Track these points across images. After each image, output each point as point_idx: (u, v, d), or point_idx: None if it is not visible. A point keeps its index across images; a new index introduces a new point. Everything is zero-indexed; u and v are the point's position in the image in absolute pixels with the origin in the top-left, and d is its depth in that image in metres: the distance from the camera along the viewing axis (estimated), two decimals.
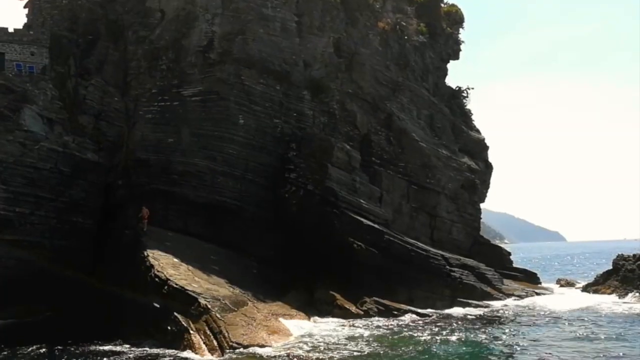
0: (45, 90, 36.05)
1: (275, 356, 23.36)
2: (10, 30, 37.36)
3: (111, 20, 41.21)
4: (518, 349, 24.79)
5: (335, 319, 31.80)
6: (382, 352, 24.05)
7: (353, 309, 33.21)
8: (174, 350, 24.86)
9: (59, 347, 26.12)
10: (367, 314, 32.64)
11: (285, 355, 23.50)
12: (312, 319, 31.57)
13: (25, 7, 42.04)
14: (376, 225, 37.56)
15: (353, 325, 29.99)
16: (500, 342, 26.34)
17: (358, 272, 35.05)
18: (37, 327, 29.57)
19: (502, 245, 60.80)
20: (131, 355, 24.60)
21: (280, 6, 40.69)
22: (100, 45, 40.39)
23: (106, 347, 26.48)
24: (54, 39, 38.48)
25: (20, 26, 39.69)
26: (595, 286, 44.70)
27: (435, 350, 24.61)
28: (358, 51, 43.89)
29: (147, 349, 25.67)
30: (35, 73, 37.05)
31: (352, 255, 35.40)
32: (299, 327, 29.20)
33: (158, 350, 25.25)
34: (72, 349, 26.06)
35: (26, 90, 35.33)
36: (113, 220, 36.61)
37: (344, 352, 23.93)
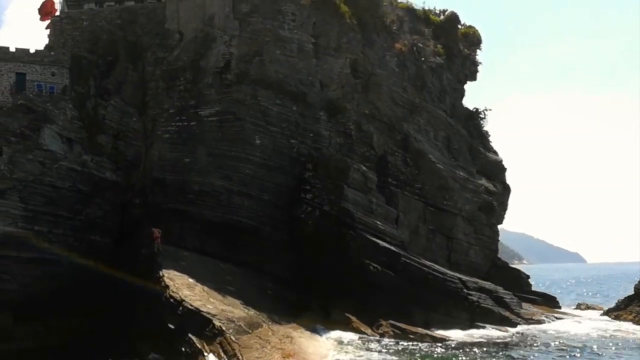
0: (65, 110, 36.55)
1: None
2: (32, 51, 38.05)
3: (130, 41, 41.82)
4: None
5: (353, 337, 31.43)
6: None
7: (369, 331, 32.79)
8: None
9: None
10: (383, 337, 32.20)
11: None
12: (325, 335, 31.27)
13: (46, 28, 42.83)
14: (392, 247, 37.25)
15: (371, 349, 29.59)
16: None
17: (374, 294, 34.70)
18: (52, 347, 29.60)
19: (521, 267, 60.05)
20: None
21: (297, 28, 40.96)
22: (120, 66, 40.95)
23: None
24: (74, 59, 39.12)
25: (41, 47, 40.47)
26: (617, 311, 43.89)
27: None
28: (375, 72, 43.94)
29: None
30: (56, 93, 37.64)
31: (368, 277, 35.08)
32: (316, 349, 28.89)
33: None
34: None
35: (46, 110, 35.82)
36: (130, 239, 36.78)
37: None
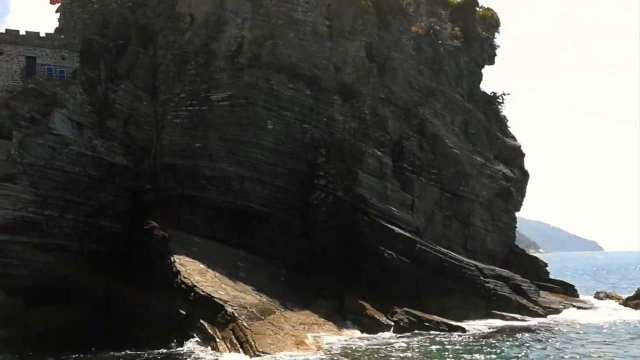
0: (75, 94, 36.10)
1: None
2: (42, 34, 37.53)
3: (141, 24, 41.12)
4: None
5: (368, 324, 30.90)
6: None
7: (383, 319, 32.33)
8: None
9: (82, 354, 25.87)
10: (397, 325, 31.67)
11: None
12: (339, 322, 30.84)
13: (57, 11, 42.33)
14: (407, 234, 36.58)
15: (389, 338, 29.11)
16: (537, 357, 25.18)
17: (388, 282, 34.15)
18: (63, 333, 29.35)
19: (538, 255, 59.06)
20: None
21: (311, 10, 40.08)
22: (131, 50, 40.30)
23: (132, 352, 26.25)
24: (84, 43, 38.56)
25: (51, 30, 39.95)
26: (636, 300, 42.96)
27: None
28: (390, 55, 43.00)
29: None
30: (66, 77, 37.15)
31: (383, 264, 34.54)
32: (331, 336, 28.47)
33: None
34: (97, 355, 25.78)
35: (56, 94, 35.40)
36: (141, 224, 36.35)
37: None
